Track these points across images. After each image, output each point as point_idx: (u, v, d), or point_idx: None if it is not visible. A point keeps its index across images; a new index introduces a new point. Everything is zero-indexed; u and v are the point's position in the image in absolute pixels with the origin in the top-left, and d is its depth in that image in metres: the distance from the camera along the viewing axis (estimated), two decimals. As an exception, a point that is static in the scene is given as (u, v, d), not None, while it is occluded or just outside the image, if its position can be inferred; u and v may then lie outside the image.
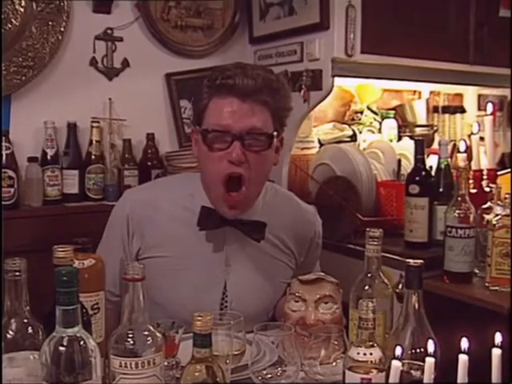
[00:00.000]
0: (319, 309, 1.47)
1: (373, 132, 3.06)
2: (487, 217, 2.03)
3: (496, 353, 0.99)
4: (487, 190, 2.26)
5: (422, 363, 1.06)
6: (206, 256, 1.69)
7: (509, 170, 2.77)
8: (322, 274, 1.53)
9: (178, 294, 1.66)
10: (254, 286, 1.71)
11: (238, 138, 1.54)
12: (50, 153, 2.44)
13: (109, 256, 1.59)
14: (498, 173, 2.45)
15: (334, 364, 1.24)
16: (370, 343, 1.11)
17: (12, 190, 2.31)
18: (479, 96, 3.43)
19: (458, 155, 2.44)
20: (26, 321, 1.09)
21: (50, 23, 2.44)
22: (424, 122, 3.23)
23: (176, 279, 1.67)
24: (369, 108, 3.06)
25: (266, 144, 1.59)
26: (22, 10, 2.39)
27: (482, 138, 2.56)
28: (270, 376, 1.23)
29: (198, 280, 1.67)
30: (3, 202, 2.28)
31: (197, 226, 1.65)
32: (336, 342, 1.26)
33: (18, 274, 1.08)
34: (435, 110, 3.31)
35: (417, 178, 2.21)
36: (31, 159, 2.41)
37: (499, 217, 1.93)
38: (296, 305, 1.49)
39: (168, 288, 1.67)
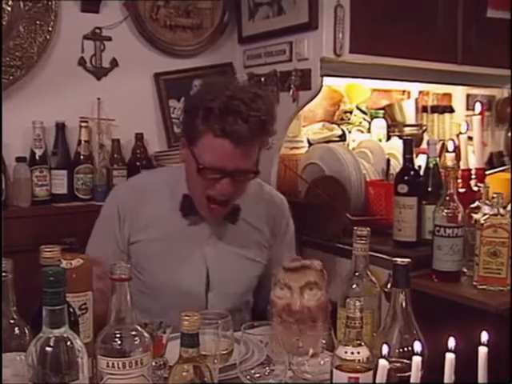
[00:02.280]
0: (304, 295, 1.49)
1: (362, 132, 3.06)
2: (475, 216, 2.03)
3: (482, 351, 0.99)
4: (475, 189, 2.27)
5: (409, 362, 1.06)
6: (189, 236, 1.81)
7: (497, 169, 2.79)
8: (308, 261, 1.55)
9: (165, 274, 1.78)
10: (231, 263, 1.84)
11: (229, 175, 1.67)
12: (39, 153, 2.43)
13: (100, 249, 1.69)
14: (487, 172, 2.46)
15: (321, 363, 1.24)
16: (358, 342, 1.11)
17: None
18: (468, 96, 3.44)
19: (447, 155, 2.45)
20: (12, 321, 1.09)
21: (38, 22, 2.43)
22: (413, 122, 3.23)
23: (162, 260, 1.78)
24: (358, 108, 3.07)
25: (252, 177, 1.75)
26: (9, 9, 2.38)
27: (470, 138, 2.57)
28: (258, 375, 1.23)
29: (182, 260, 1.79)
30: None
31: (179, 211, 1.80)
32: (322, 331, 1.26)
33: (4, 274, 1.08)
34: (424, 109, 3.32)
35: (405, 178, 2.21)
36: (19, 159, 2.40)
37: (487, 216, 1.93)
38: (281, 292, 1.52)
39: (156, 269, 1.79)
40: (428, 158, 2.33)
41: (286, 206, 2.02)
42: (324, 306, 1.49)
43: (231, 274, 1.83)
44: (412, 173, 2.22)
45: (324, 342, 1.26)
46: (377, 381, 0.99)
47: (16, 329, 1.08)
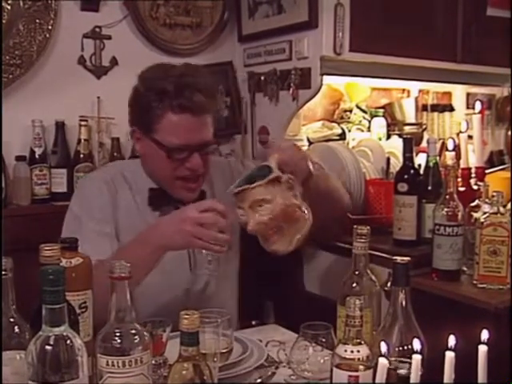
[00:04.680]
0: (256, 214, 1.54)
1: (362, 130, 3.06)
2: (475, 215, 2.03)
3: (482, 350, 0.99)
4: (475, 188, 2.27)
5: (409, 360, 1.06)
6: None
7: (497, 168, 2.79)
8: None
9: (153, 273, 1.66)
10: None
11: (197, 150, 1.73)
12: (38, 151, 2.43)
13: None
14: (487, 171, 2.45)
15: (321, 361, 1.24)
16: (358, 340, 1.11)
17: (-1, 188, 2.30)
18: (468, 94, 3.44)
19: (447, 153, 2.44)
20: (12, 320, 1.09)
21: (38, 21, 2.43)
22: (413, 121, 3.23)
23: None
24: (358, 106, 3.06)
25: (214, 148, 1.84)
26: (8, 7, 2.37)
27: (470, 137, 2.57)
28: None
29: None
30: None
31: (148, 206, 1.81)
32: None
33: (4, 272, 1.08)
34: (424, 108, 3.32)
35: (405, 177, 2.21)
36: (19, 158, 2.40)
37: (487, 215, 1.93)
38: (240, 212, 1.58)
39: None
40: (428, 156, 2.32)
41: (233, 162, 2.09)
42: (286, 211, 1.53)
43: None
44: (412, 171, 2.22)
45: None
46: (376, 380, 0.99)
47: (16, 327, 1.08)
